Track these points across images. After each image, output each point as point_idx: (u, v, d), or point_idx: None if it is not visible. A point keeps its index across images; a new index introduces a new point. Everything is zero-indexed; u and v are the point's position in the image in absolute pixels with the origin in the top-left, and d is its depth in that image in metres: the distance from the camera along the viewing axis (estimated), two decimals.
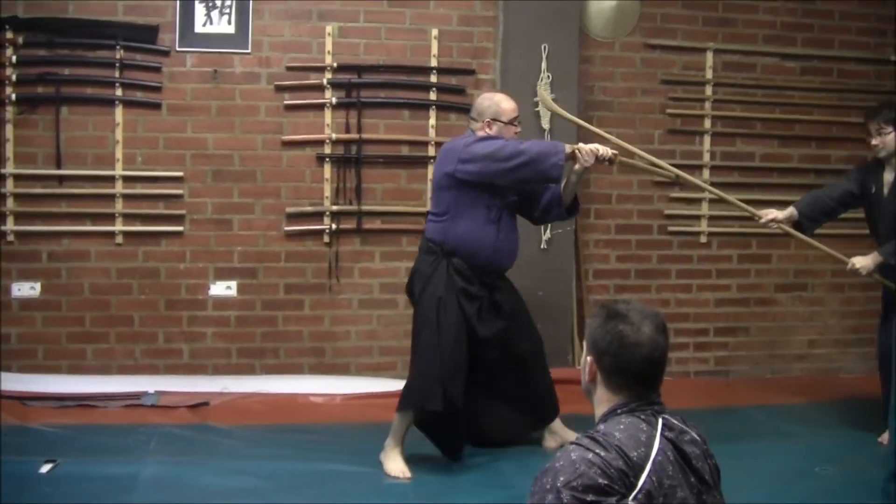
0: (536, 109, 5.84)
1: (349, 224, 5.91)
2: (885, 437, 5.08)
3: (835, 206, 5.26)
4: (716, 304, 6.51)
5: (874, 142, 5.04)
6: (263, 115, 5.79)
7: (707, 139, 6.34)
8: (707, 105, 6.37)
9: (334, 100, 5.81)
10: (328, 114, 5.82)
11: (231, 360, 5.83)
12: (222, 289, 5.80)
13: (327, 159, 5.84)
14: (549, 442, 4.89)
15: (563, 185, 4.54)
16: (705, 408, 5.74)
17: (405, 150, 5.99)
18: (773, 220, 5.11)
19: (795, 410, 5.70)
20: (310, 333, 5.93)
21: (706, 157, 6.35)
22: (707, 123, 6.37)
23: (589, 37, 6.15)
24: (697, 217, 6.42)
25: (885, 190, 5.10)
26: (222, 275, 5.80)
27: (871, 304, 6.69)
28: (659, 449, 2.14)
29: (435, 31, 5.93)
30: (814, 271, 6.64)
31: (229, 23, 5.66)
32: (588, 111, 6.05)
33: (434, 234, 4.54)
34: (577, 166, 4.43)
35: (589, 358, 2.32)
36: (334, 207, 5.86)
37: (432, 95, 5.98)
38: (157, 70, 5.65)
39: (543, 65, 5.85)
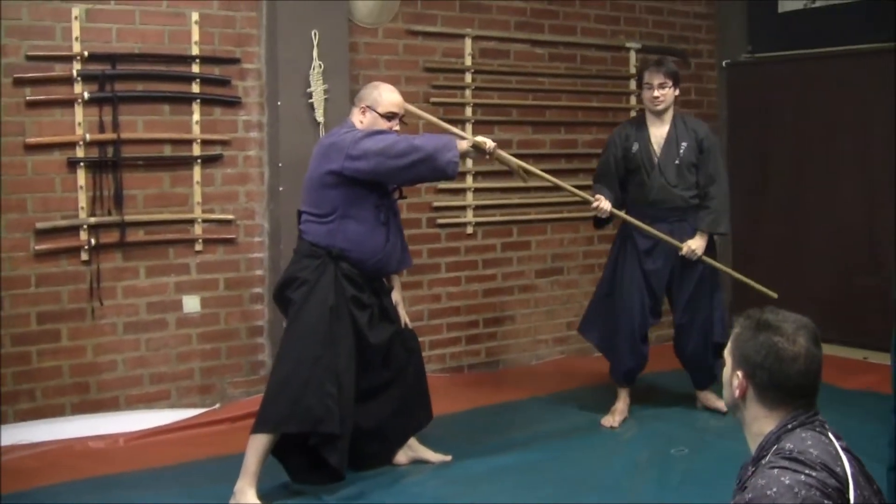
0: (310, 101, 5.44)
1: (110, 238, 5.11)
2: (706, 398, 5.35)
3: (621, 177, 5.25)
4: (484, 295, 6.43)
5: (656, 94, 5.06)
6: (1, 115, 4.83)
7: (470, 127, 6.19)
8: (468, 93, 6.24)
9: (86, 94, 4.96)
10: (79, 111, 4.97)
11: None
12: None
13: (81, 164, 4.99)
14: (401, 457, 4.54)
15: None
16: (505, 402, 5.66)
17: (168, 150, 5.29)
18: (601, 208, 5.02)
19: (589, 395, 5.72)
20: (70, 367, 5.07)
21: None
22: (469, 111, 6.24)
23: (352, 22, 5.78)
24: (463, 208, 6.29)
25: (657, 147, 5.13)
26: None
27: None
28: (849, 461, 2.05)
29: (195, 16, 5.27)
30: (568, 255, 6.77)
31: None
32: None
33: (318, 237, 4.12)
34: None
35: (739, 373, 2.17)
36: (92, 220, 5.03)
37: (195, 87, 5.32)
38: None
39: (315, 52, 5.43)
